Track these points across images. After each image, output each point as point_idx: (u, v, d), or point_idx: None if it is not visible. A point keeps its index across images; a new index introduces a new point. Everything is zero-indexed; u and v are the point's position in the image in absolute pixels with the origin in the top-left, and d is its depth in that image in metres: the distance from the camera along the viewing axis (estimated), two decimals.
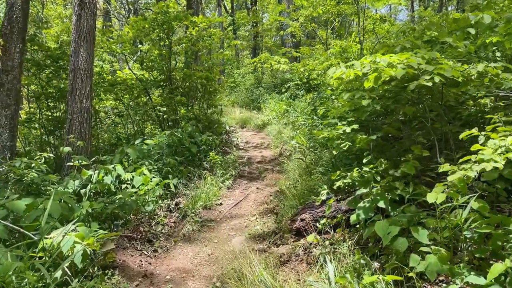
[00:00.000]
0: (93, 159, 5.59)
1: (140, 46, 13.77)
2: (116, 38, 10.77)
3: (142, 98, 10.68)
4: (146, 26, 9.51)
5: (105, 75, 10.33)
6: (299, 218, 3.91)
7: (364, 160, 3.55)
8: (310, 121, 8.82)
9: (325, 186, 3.68)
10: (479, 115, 4.40)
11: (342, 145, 3.93)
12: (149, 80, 10.67)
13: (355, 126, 3.97)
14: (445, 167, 2.49)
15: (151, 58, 10.72)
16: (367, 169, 3.43)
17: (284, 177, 6.62)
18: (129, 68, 11.24)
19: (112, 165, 5.64)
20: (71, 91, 6.52)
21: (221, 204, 5.74)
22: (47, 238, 3.27)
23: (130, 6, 23.34)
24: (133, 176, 5.63)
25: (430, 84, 2.66)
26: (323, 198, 3.66)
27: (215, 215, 5.39)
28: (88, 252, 3.28)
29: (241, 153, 8.77)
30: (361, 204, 3.17)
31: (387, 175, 3.36)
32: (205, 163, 7.71)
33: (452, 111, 4.47)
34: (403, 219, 2.80)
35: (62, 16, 19.87)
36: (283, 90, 15.15)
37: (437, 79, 2.63)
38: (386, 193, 3.17)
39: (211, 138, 8.37)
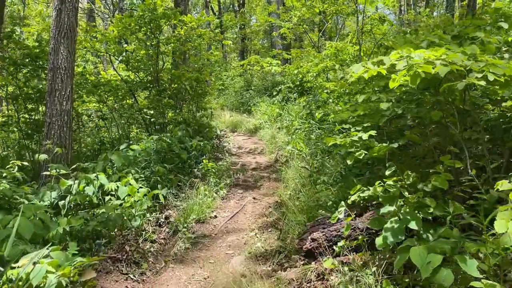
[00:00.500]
0: (74, 166, 5.03)
1: (126, 45, 13.19)
2: (100, 36, 10.19)
3: (128, 101, 10.12)
4: (132, 24, 8.96)
5: (88, 75, 9.73)
6: (309, 238, 3.42)
7: (387, 172, 3.09)
8: (307, 125, 8.38)
9: (342, 202, 3.20)
10: (501, 120, 4.01)
11: (357, 153, 3.47)
12: (135, 82, 10.11)
13: (372, 133, 3.51)
14: (504, 184, 2.04)
15: (137, 58, 10.17)
16: (391, 182, 2.97)
17: (282, 186, 6.14)
18: (114, 69, 10.66)
19: (95, 174, 5.10)
20: (50, 91, 5.93)
21: (215, 217, 5.22)
22: (14, 267, 2.72)
23: (115, 6, 22.67)
24: (118, 186, 5.09)
25: (483, 83, 2.22)
26: (341, 216, 3.19)
27: (209, 230, 4.87)
28: (64, 284, 2.75)
29: (234, 159, 8.27)
30: (388, 225, 2.71)
31: (415, 190, 2.91)
32: (196, 170, 7.18)
33: (468, 116, 4.06)
34: (445, 245, 2.34)
35: (44, 14, 19.11)
36: (274, 93, 14.71)
37: (491, 77, 2.20)
38: (417, 212, 2.71)
39: (202, 143, 7.84)
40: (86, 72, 9.82)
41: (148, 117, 8.55)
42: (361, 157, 3.44)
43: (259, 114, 13.25)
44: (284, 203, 5.27)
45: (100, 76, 10.92)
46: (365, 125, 3.76)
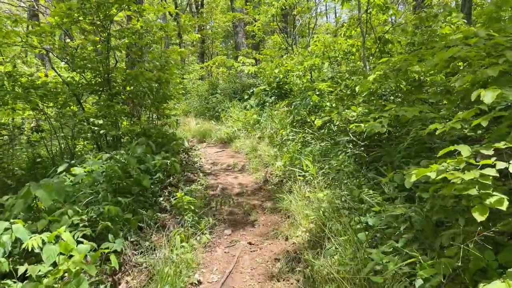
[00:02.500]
0: None
1: (69, 41, 11.00)
2: (37, 28, 8.04)
3: (73, 107, 8.08)
4: (74, 8, 6.96)
5: (19, 76, 7.59)
6: None
7: None
8: (301, 135, 6.74)
9: None
10: None
11: (493, 201, 1.82)
12: (80, 84, 8.08)
13: None
14: None
15: (83, 55, 8.14)
16: None
17: (287, 222, 4.42)
18: (52, 68, 8.56)
19: (9, 222, 3.30)
20: None
21: (199, 283, 3.41)
22: None
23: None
24: (44, 242, 3.25)
25: None
26: None
27: None
28: None
29: (211, 180, 6.47)
30: None
31: None
32: (162, 199, 5.33)
33: None
34: None
35: None
36: (246, 97, 13.02)
37: None
38: None
39: (168, 161, 6.00)
40: (16, 72, 7.69)
41: (96, 128, 6.56)
42: (503, 207, 1.79)
43: (230, 121, 11.49)
44: (300, 253, 3.57)
45: (34, 77, 8.72)
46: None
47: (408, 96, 4.73)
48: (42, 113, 7.70)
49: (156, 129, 8.44)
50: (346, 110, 5.13)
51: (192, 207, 4.28)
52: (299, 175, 5.16)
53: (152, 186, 5.45)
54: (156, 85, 7.84)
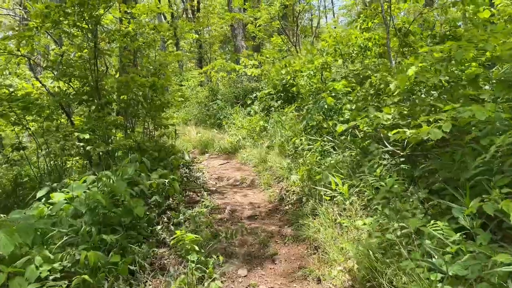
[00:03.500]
0: None
1: (55, 48, 10.12)
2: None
3: (62, 119, 7.23)
4: (52, 8, 6.09)
5: None
6: None
7: None
8: (318, 143, 5.84)
9: None
10: None
11: None
12: (67, 94, 7.21)
13: None
14: None
15: (69, 62, 7.28)
16: None
17: (316, 256, 3.51)
18: (36, 78, 7.68)
19: None
20: None
21: None
22: None
23: None
24: None
25: None
26: None
27: None
28: None
29: (216, 200, 5.56)
30: None
31: None
32: (159, 228, 4.43)
33: None
34: None
35: None
36: (249, 102, 12.13)
37: None
38: None
39: (166, 180, 5.10)
40: None
41: (81, 144, 5.66)
42: None
43: (233, 128, 10.60)
44: None
45: (16, 88, 7.85)
46: None
47: (457, 93, 3.83)
48: (26, 127, 6.82)
49: (153, 141, 7.56)
50: (378, 113, 4.22)
51: (197, 248, 3.36)
52: (325, 194, 4.25)
53: (147, 213, 4.55)
54: (151, 92, 6.95)
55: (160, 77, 6.99)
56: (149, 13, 8.72)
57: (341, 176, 4.31)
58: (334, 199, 4.12)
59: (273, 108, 9.99)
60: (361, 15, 7.06)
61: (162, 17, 27.07)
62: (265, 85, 12.10)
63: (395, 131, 3.49)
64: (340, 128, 5.17)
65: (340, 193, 4.06)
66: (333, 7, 30.77)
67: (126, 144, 5.61)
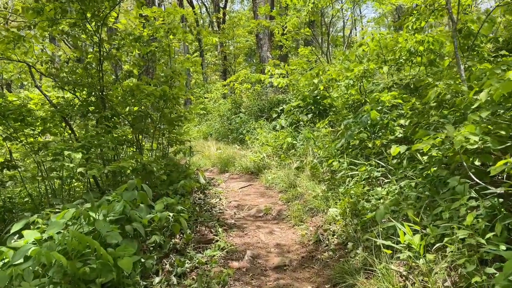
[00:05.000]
0: None
1: (61, 53, 9.32)
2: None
3: (65, 134, 6.38)
4: (47, 7, 5.19)
5: None
6: None
7: None
8: (364, 168, 4.65)
9: None
10: None
11: None
12: (72, 105, 6.33)
13: None
14: None
15: (73, 69, 6.42)
16: None
17: None
18: (37, 86, 6.81)
19: None
20: None
21: None
22: None
23: None
24: None
25: None
26: None
27: None
28: None
29: (234, 239, 4.41)
30: None
31: None
32: (157, 282, 3.32)
33: None
34: None
35: None
36: (274, 115, 11.00)
37: None
38: None
39: (171, 214, 4.01)
40: None
41: (70, 165, 4.64)
42: None
43: (257, 144, 9.49)
44: None
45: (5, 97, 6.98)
46: None
47: None
48: (21, 143, 5.90)
49: (165, 160, 6.53)
50: (456, 132, 3.02)
51: None
52: (383, 245, 3.04)
53: (142, 260, 3.46)
54: (161, 102, 5.94)
55: (173, 85, 5.97)
56: (165, 16, 7.83)
57: (401, 214, 3.11)
58: (397, 253, 2.92)
59: (302, 123, 8.84)
60: (415, 12, 5.87)
61: (187, 27, 26.57)
62: (292, 97, 10.98)
63: (501, 162, 2.29)
64: (396, 150, 3.99)
65: (408, 245, 2.85)
66: (361, 20, 29.44)
67: (126, 166, 4.56)
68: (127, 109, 5.99)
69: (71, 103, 6.36)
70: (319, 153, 6.35)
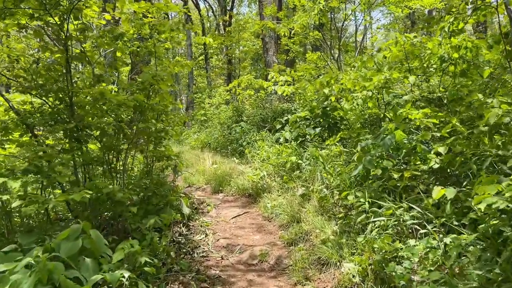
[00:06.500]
0: None
1: (35, 53, 8.32)
2: None
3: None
4: None
5: None
6: None
7: None
8: (390, 211, 3.53)
9: None
10: None
11: None
12: (41, 112, 5.26)
13: None
14: None
15: (36, 70, 5.34)
16: None
17: None
18: None
19: None
20: None
21: None
22: None
23: None
24: None
25: None
26: None
27: None
28: None
29: None
30: None
31: None
32: None
33: None
34: None
35: None
36: (278, 126, 9.89)
37: None
38: None
39: (127, 275, 2.92)
40: None
41: (2, 198, 3.55)
42: None
43: (257, 160, 8.38)
44: None
45: None
46: None
47: None
48: None
49: (148, 179, 5.46)
50: None
51: None
52: None
53: None
54: (137, 114, 4.86)
55: (151, 94, 4.88)
56: (154, 12, 6.76)
57: None
58: None
59: (308, 137, 7.73)
60: (453, 10, 4.76)
61: (193, 33, 25.53)
62: (299, 107, 9.88)
63: None
64: (440, 192, 2.89)
65: None
66: (371, 26, 28.30)
67: (75, 198, 3.46)
68: (94, 120, 4.89)
69: (40, 110, 5.30)
70: (329, 179, 5.23)
